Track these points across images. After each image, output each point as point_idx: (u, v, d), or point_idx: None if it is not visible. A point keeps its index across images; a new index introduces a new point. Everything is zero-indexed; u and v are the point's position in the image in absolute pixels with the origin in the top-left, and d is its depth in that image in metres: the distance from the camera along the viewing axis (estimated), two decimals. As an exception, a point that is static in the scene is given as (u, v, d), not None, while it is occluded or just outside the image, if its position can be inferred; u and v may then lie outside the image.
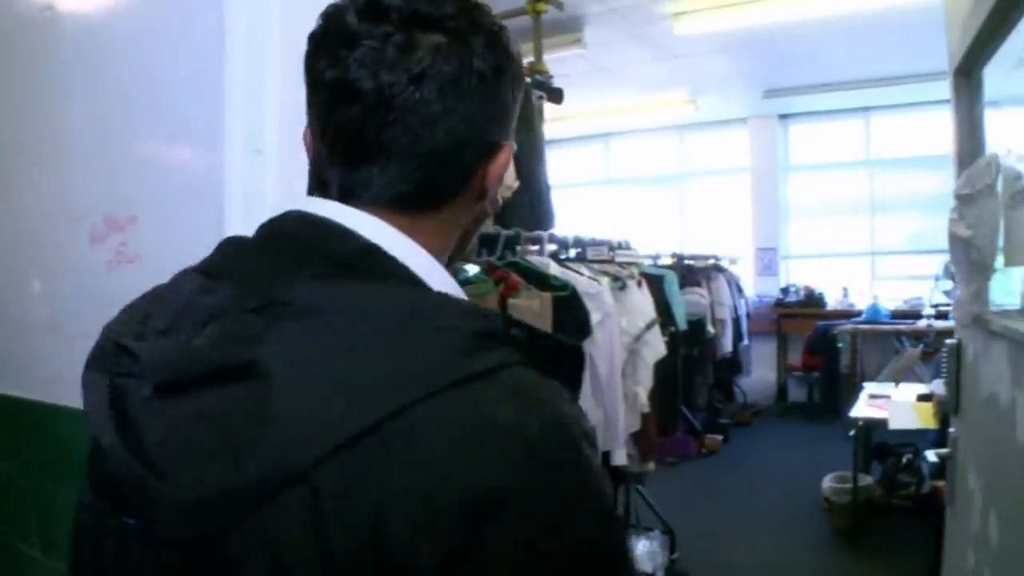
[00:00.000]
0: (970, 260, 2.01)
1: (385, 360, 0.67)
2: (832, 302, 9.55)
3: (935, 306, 8.02)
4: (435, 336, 0.69)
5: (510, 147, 0.92)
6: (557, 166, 11.72)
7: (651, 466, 4.22)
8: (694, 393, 7.38)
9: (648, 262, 7.11)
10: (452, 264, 0.92)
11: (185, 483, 0.66)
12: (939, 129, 9.32)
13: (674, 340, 4.18)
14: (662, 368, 4.12)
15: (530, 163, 3.98)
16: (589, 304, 3.39)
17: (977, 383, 2.12)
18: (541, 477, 0.66)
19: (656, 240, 8.61)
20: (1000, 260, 1.98)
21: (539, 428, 0.68)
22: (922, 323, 7.85)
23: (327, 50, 0.79)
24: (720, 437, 7.71)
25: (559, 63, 7.07)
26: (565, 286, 3.30)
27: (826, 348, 8.54)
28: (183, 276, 0.83)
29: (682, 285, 7.01)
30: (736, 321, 8.24)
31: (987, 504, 1.98)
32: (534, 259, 3.48)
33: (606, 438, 3.55)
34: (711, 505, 5.97)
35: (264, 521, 0.64)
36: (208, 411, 0.68)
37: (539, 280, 3.32)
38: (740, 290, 8.79)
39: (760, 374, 9.65)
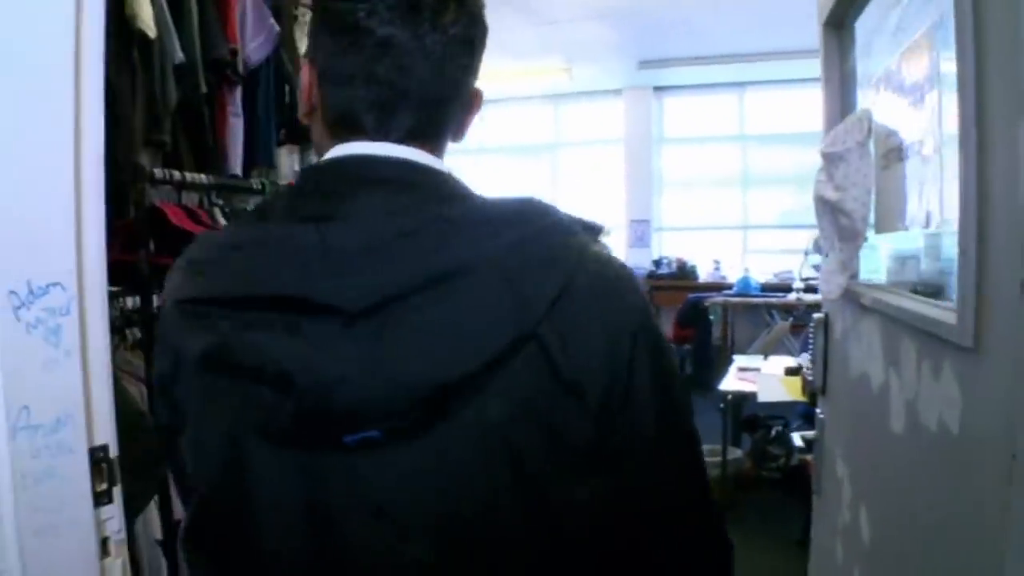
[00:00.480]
0: (839, 226, 1.82)
1: (545, 248, 0.89)
2: (704, 275, 9.52)
3: (805, 280, 8.07)
4: (562, 227, 0.93)
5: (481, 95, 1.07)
6: (429, 134, 11.54)
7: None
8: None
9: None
10: None
11: (443, 364, 0.82)
12: (812, 107, 9.43)
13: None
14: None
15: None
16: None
17: (846, 362, 1.95)
18: (650, 312, 0.95)
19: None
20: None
21: (634, 278, 0.97)
22: (792, 296, 7.88)
23: (373, 8, 0.90)
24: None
25: (428, 24, 6.77)
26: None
27: (698, 320, 8.50)
28: (279, 229, 0.90)
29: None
30: (608, 294, 8.08)
31: (856, 496, 1.81)
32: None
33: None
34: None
35: (513, 369, 0.83)
36: (449, 312, 0.83)
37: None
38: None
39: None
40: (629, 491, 0.89)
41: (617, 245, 9.60)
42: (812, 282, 7.96)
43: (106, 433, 1.44)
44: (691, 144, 9.91)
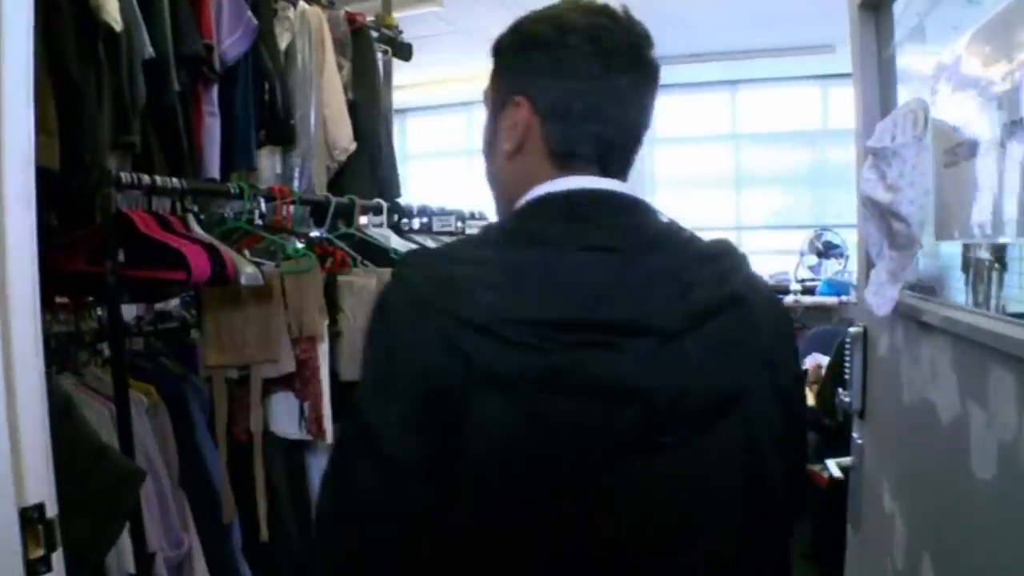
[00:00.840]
0: (890, 231, 1.62)
1: (761, 280, 1.14)
2: (697, 277, 9.26)
3: (801, 281, 7.90)
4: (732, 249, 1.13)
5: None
6: (417, 136, 11.35)
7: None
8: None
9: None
10: None
11: (733, 375, 1.03)
12: (805, 105, 9.34)
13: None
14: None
15: (371, 123, 3.48)
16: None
17: (895, 385, 1.74)
18: None
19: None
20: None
21: None
22: (789, 299, 7.69)
23: (612, 62, 1.08)
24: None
25: (414, 22, 6.58)
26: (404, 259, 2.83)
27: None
28: (570, 255, 1.00)
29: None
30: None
31: (916, 541, 1.60)
32: (372, 231, 3.00)
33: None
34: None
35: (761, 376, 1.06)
36: (720, 333, 1.01)
37: (378, 255, 2.85)
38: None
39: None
40: (795, 465, 1.15)
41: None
42: (809, 283, 7.83)
43: (42, 490, 1.21)
44: (683, 144, 9.71)
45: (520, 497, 0.97)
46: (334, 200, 2.77)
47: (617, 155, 1.12)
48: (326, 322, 2.50)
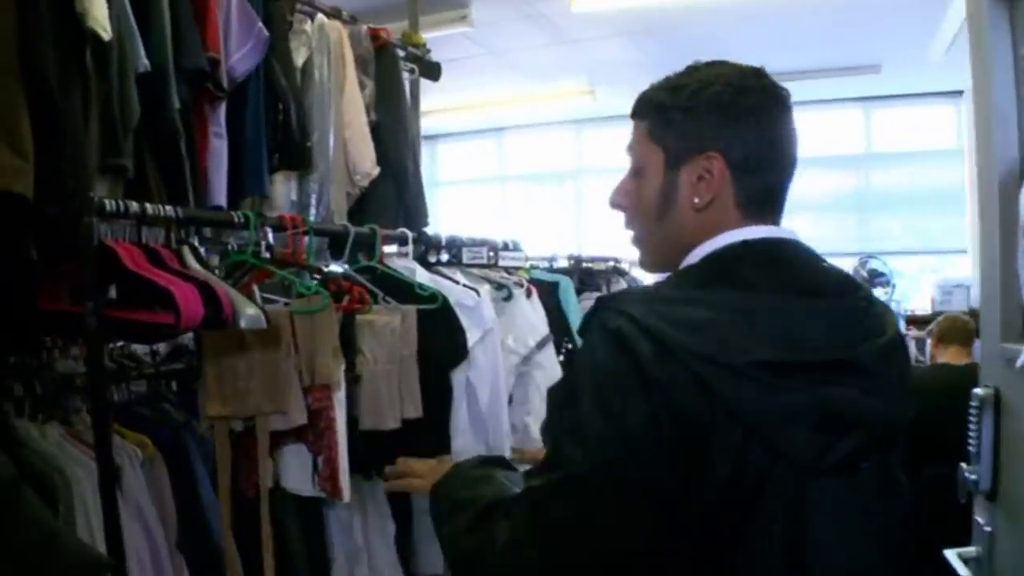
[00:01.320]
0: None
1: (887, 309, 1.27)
2: (736, 307, 8.96)
3: None
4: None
5: None
6: (447, 162, 11.13)
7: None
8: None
9: (542, 266, 6.46)
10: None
11: (904, 407, 1.18)
12: (849, 128, 9.04)
13: (571, 356, 3.47)
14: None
15: (396, 146, 3.23)
16: (465, 319, 2.67)
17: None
18: None
19: (552, 242, 8.00)
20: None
21: None
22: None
23: (778, 107, 1.26)
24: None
25: (444, 44, 6.34)
26: (434, 297, 2.57)
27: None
28: (783, 299, 1.13)
29: (579, 291, 6.36)
30: (638, 329, 7.60)
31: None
32: (396, 263, 2.73)
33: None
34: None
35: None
36: (898, 367, 1.19)
37: (402, 290, 2.58)
38: (643, 295, 8.17)
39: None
40: None
41: (646, 278, 9.08)
42: None
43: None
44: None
45: (743, 516, 1.08)
46: (353, 230, 2.50)
47: (781, 199, 1.27)
48: (342, 367, 2.23)
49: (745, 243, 1.19)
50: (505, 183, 10.65)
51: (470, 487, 1.34)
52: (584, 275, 6.64)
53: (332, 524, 2.52)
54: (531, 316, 3.07)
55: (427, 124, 9.45)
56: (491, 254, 2.99)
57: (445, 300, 2.58)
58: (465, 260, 2.86)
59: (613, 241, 8.77)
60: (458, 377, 2.66)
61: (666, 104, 1.26)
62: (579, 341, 3.86)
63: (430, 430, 2.56)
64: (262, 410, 2.09)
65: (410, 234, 2.75)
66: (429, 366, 2.57)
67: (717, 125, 1.21)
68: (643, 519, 1.06)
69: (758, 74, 1.25)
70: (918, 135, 8.79)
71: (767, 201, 1.25)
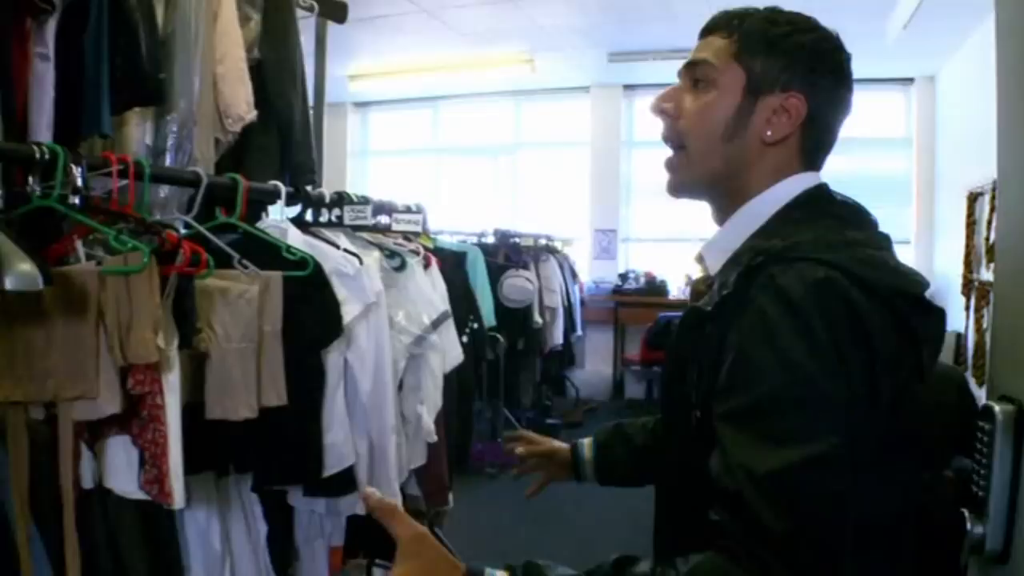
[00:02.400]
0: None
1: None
2: (675, 291, 8.83)
3: None
4: None
5: None
6: (380, 131, 10.71)
7: (447, 506, 3.14)
8: (519, 392, 6.36)
9: (471, 241, 6.09)
10: None
11: None
12: None
13: (476, 341, 3.08)
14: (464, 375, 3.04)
15: (282, 89, 2.80)
16: (343, 290, 2.26)
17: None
18: None
19: (486, 217, 7.66)
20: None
21: None
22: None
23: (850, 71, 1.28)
24: (548, 442, 6.72)
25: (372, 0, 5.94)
26: (304, 262, 2.15)
27: (668, 341, 7.70)
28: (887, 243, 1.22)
29: (504, 267, 6.01)
30: (568, 309, 7.26)
31: None
32: (267, 223, 2.31)
33: (373, 478, 2.44)
34: (535, 527, 5.02)
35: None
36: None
37: (267, 254, 2.17)
38: (574, 275, 7.88)
39: (594, 367, 8.80)
40: None
41: (580, 256, 8.80)
42: None
43: None
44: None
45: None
46: (206, 178, 2.08)
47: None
48: (175, 343, 1.81)
49: (822, 188, 1.27)
50: (440, 155, 10.26)
51: None
52: (511, 250, 6.30)
53: (185, 528, 2.13)
54: (427, 290, 2.67)
55: (358, 89, 9.12)
56: (384, 216, 2.57)
57: (317, 266, 2.16)
58: (347, 221, 2.45)
59: (547, 218, 8.49)
60: (333, 358, 2.25)
61: (765, 32, 1.25)
62: (488, 321, 3.54)
63: (296, 421, 2.16)
64: (64, 395, 1.67)
65: (284, 188, 2.33)
66: (297, 345, 2.16)
67: (809, 70, 1.23)
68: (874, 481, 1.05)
69: (836, 35, 1.28)
70: (867, 122, 8.56)
71: (824, 153, 1.30)
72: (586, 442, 1.83)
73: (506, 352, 5.72)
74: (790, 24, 1.25)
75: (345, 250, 2.34)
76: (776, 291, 1.05)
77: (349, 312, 2.25)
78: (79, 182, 1.70)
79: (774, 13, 1.27)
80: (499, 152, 10.04)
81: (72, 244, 1.84)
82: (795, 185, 1.24)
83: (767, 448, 0.99)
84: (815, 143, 1.26)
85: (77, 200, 1.71)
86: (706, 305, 1.17)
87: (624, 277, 9.02)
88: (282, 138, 2.79)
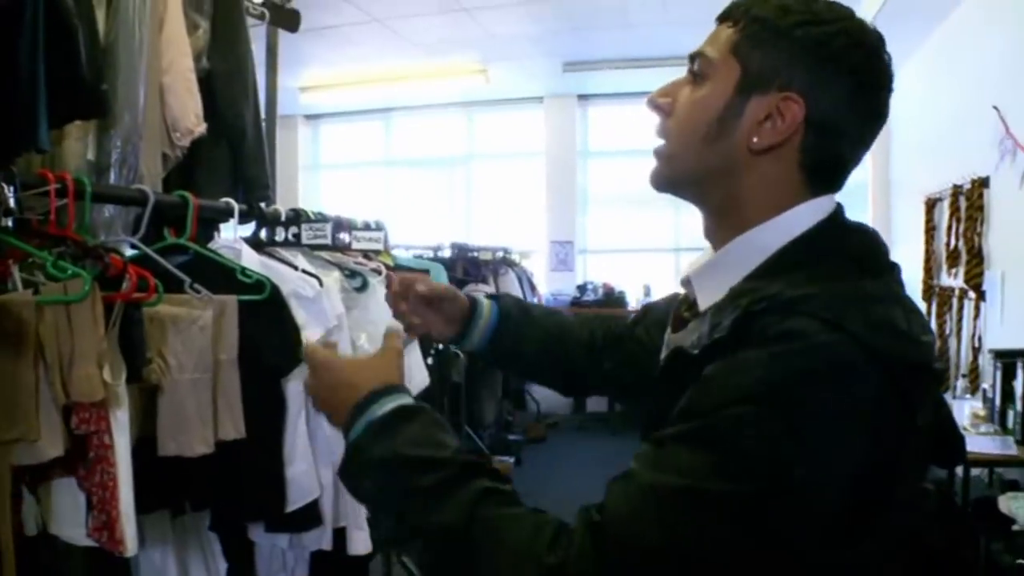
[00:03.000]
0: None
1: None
2: (634, 301, 8.76)
3: None
4: None
5: None
6: (330, 144, 10.55)
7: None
8: (481, 410, 6.22)
9: (427, 255, 5.96)
10: None
11: None
12: None
13: (442, 362, 2.95)
14: (430, 399, 2.90)
15: (232, 101, 2.66)
16: (303, 314, 2.12)
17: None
18: None
19: (440, 230, 7.53)
20: None
21: None
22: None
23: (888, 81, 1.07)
24: (511, 459, 6.58)
25: (323, 8, 5.81)
26: (260, 285, 2.01)
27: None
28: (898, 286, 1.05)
29: (465, 282, 5.88)
30: (529, 324, 7.15)
31: None
32: (219, 243, 2.17)
33: (339, 511, 2.30)
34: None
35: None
36: None
37: (221, 277, 2.02)
38: (532, 287, 7.79)
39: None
40: None
41: (537, 269, 8.70)
42: None
43: None
44: (618, 158, 9.04)
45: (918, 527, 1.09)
46: (153, 196, 1.92)
47: (847, 176, 1.11)
48: (123, 377, 1.65)
49: (835, 220, 1.08)
50: (392, 167, 10.13)
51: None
52: (469, 264, 6.17)
53: (140, 570, 1.99)
54: (390, 310, 2.53)
55: (309, 102, 8.96)
56: (343, 235, 2.43)
57: (275, 289, 2.02)
58: (305, 240, 2.30)
59: (503, 231, 8.38)
60: (294, 386, 2.10)
61: (768, 21, 1.06)
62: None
63: (256, 454, 2.01)
64: (0, 437, 1.52)
65: (236, 206, 2.18)
66: (255, 373, 2.01)
67: (814, 68, 1.03)
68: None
69: (880, 37, 1.07)
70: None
71: (837, 174, 1.09)
72: (488, 303, 1.62)
73: (467, 369, 5.59)
74: (807, 13, 1.04)
75: (303, 271, 2.20)
76: (760, 344, 0.91)
77: (310, 337, 2.11)
78: (11, 203, 1.54)
79: (796, 2, 1.06)
80: (453, 164, 9.92)
81: (8, 269, 1.68)
82: (807, 215, 1.06)
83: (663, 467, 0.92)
84: (819, 158, 1.05)
85: (10, 222, 1.55)
86: (693, 348, 1.02)
87: (582, 289, 8.93)
88: (234, 152, 2.65)
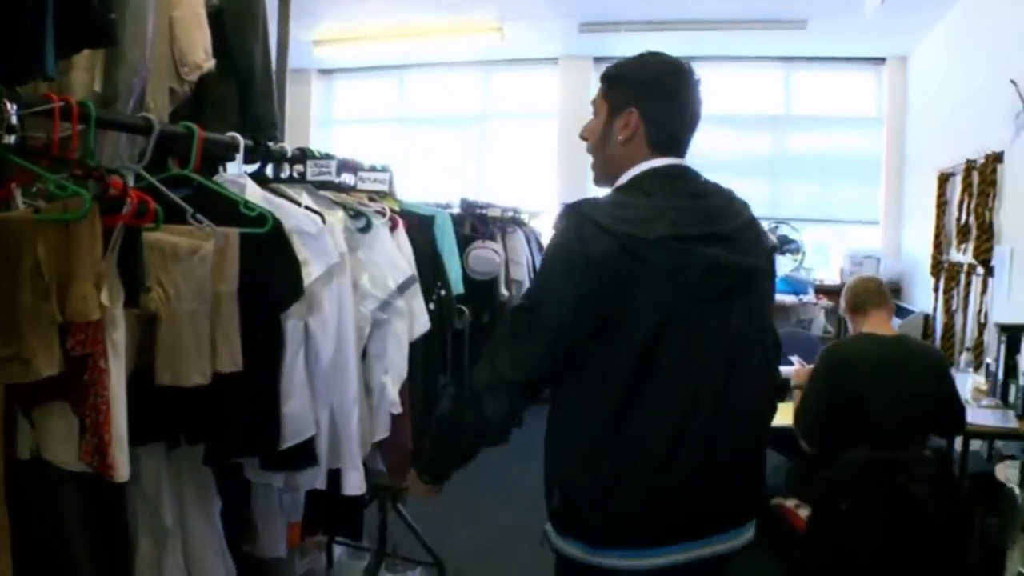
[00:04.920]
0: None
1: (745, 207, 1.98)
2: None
3: None
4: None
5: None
6: (344, 99, 10.47)
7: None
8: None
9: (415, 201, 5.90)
10: None
11: (751, 261, 1.94)
12: (767, 88, 8.68)
13: (444, 308, 2.94)
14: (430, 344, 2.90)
15: (242, 39, 2.63)
16: (305, 250, 2.12)
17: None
18: None
19: (451, 188, 7.48)
20: None
21: None
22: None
23: (693, 87, 1.92)
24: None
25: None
26: (262, 218, 2.00)
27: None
28: (682, 199, 1.86)
29: (471, 239, 5.85)
30: (535, 282, 7.10)
31: None
32: (223, 178, 2.16)
33: (334, 451, 2.31)
34: (496, 517, 4.91)
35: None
36: (748, 238, 1.90)
37: (224, 209, 2.02)
38: (540, 247, 7.71)
39: (560, 342, 8.57)
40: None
41: (546, 229, 8.65)
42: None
43: None
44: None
45: (656, 334, 1.75)
46: (158, 125, 1.92)
47: (684, 142, 1.94)
48: (120, 301, 1.66)
49: (652, 168, 1.88)
50: (406, 125, 10.05)
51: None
52: (477, 221, 6.14)
53: (132, 501, 1.97)
54: (393, 253, 2.52)
55: (323, 55, 8.88)
56: (348, 174, 2.42)
57: (277, 224, 2.01)
58: (309, 177, 2.29)
59: (514, 191, 8.32)
60: (293, 323, 2.10)
61: (612, 75, 1.95)
62: (456, 288, 3.55)
63: (253, 388, 2.02)
64: (-6, 355, 1.52)
65: (242, 141, 2.17)
66: (254, 307, 2.01)
67: (638, 93, 1.89)
68: (584, 321, 1.78)
69: (675, 63, 1.91)
70: (838, 101, 8.50)
71: (671, 143, 1.90)
72: None
73: (471, 325, 5.57)
74: (633, 65, 1.92)
75: (307, 207, 2.19)
76: (556, 228, 1.85)
77: (311, 273, 2.11)
78: (14, 119, 1.54)
79: (626, 62, 1.94)
80: (466, 123, 9.85)
81: (11, 192, 1.68)
82: (639, 168, 1.89)
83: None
84: (658, 137, 1.88)
85: (12, 140, 1.55)
86: None
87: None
88: (242, 90, 2.63)
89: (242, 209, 2.02)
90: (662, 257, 1.72)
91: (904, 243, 7.93)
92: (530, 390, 1.87)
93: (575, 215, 1.76)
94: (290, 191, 2.32)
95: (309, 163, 2.27)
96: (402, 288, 2.47)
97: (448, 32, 7.97)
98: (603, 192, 1.98)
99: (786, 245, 7.83)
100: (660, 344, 1.74)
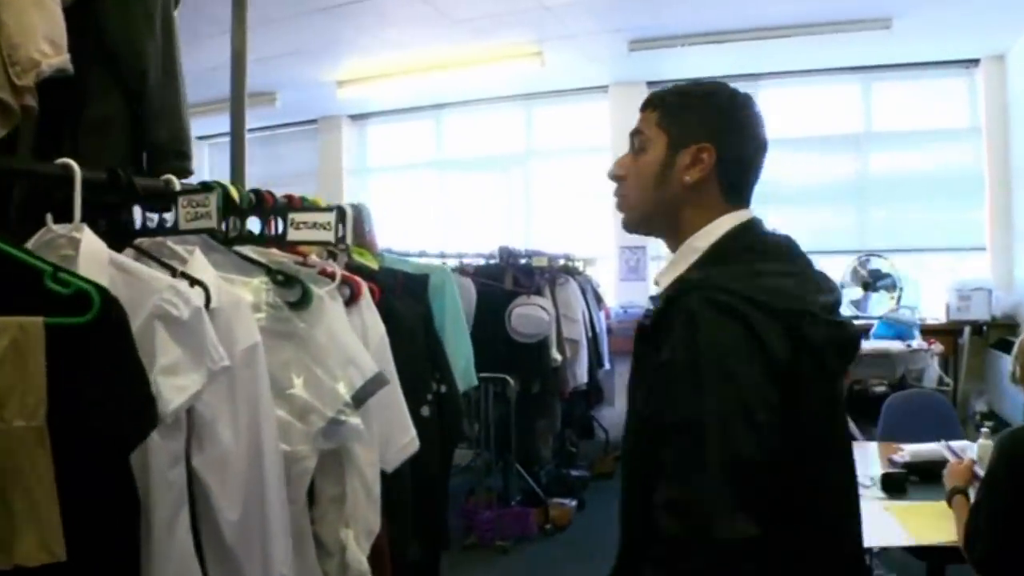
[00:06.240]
0: None
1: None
2: (714, 313, 7.69)
3: (856, 319, 6.38)
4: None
5: None
6: (379, 145, 9.78)
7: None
8: (534, 445, 5.31)
9: (476, 263, 5.13)
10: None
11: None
12: (844, 103, 7.81)
13: (444, 413, 2.05)
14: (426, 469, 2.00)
15: (129, 34, 1.83)
16: (174, 347, 1.25)
17: None
18: None
19: (497, 236, 6.68)
20: None
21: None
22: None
23: (759, 122, 1.61)
24: (572, 502, 5.64)
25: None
26: (83, 299, 1.14)
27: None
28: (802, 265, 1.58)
29: (513, 295, 4.99)
30: (593, 341, 6.20)
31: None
32: (51, 233, 1.31)
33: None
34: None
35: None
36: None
37: (19, 284, 1.17)
38: (599, 299, 6.87)
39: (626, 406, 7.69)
40: None
41: (604, 277, 7.81)
42: (863, 320, 6.42)
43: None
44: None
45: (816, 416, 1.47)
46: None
47: (753, 188, 1.63)
48: None
49: (747, 225, 1.58)
50: (444, 169, 9.30)
51: None
52: (520, 273, 5.28)
53: None
54: (347, 341, 1.58)
55: (352, 97, 8.16)
56: (280, 223, 1.53)
57: (107, 306, 1.15)
58: (183, 224, 1.42)
59: (566, 236, 7.43)
60: (163, 472, 1.23)
61: (680, 103, 1.61)
62: (468, 382, 2.77)
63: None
64: None
65: (77, 170, 1.31)
66: (81, 450, 1.16)
67: (711, 124, 1.57)
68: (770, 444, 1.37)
69: (745, 94, 1.62)
70: (926, 112, 7.56)
71: (745, 189, 1.61)
72: None
73: (518, 397, 4.72)
74: (700, 95, 1.61)
75: (183, 274, 1.32)
76: (685, 312, 1.38)
77: (182, 385, 1.23)
78: None
79: (690, 86, 1.63)
80: (510, 163, 9.02)
81: None
82: (724, 223, 1.56)
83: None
84: (733, 181, 1.58)
85: None
86: (645, 320, 1.50)
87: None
88: (128, 103, 1.80)
89: (49, 283, 1.16)
90: (822, 333, 1.44)
91: (1017, 271, 6.93)
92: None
93: (724, 299, 1.37)
94: (180, 248, 1.46)
95: (181, 201, 1.40)
96: (361, 394, 1.55)
97: (482, 60, 7.18)
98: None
99: (879, 281, 6.87)
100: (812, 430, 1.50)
